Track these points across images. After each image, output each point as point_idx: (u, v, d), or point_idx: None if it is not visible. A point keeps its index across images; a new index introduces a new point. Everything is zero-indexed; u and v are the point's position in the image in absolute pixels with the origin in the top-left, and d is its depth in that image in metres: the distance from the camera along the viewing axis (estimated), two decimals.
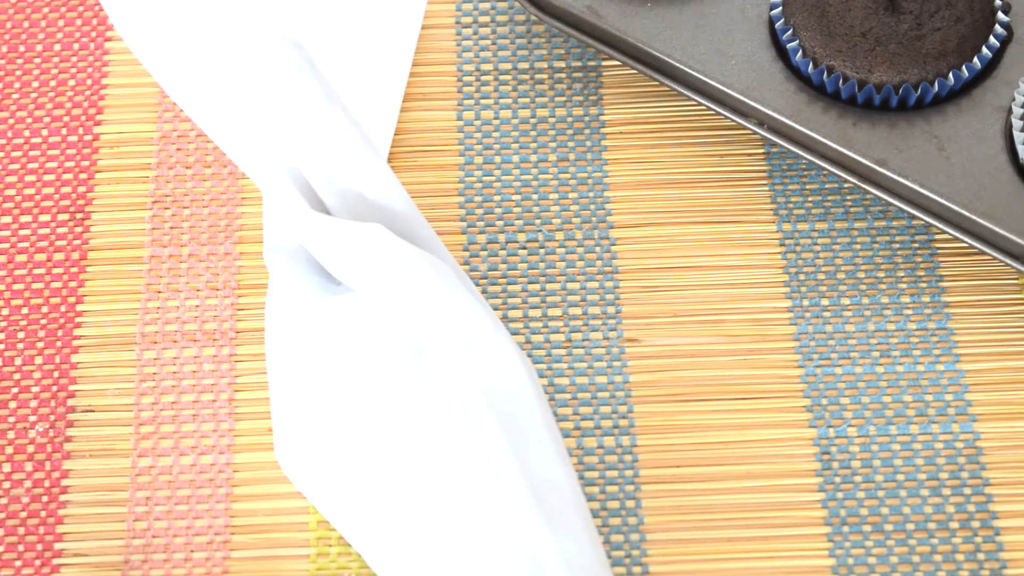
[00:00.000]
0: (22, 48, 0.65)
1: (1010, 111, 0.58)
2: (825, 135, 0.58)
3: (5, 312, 0.59)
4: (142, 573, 0.55)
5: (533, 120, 0.63)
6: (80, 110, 0.64)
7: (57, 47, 0.65)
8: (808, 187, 0.61)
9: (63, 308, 0.59)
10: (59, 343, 0.59)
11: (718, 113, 0.60)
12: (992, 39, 0.59)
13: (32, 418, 0.57)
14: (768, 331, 0.59)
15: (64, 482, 0.56)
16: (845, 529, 0.55)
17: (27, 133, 0.63)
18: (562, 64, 0.64)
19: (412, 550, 0.51)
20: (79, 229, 0.61)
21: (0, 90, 0.64)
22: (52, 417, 0.57)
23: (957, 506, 0.55)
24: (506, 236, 0.61)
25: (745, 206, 0.61)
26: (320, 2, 0.61)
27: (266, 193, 0.56)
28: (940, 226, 0.57)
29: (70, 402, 0.58)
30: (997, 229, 0.56)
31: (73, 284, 0.60)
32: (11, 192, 0.62)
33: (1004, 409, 0.57)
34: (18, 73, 0.65)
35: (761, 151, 0.62)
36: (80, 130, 0.63)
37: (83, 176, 0.62)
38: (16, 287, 0.60)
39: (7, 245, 0.61)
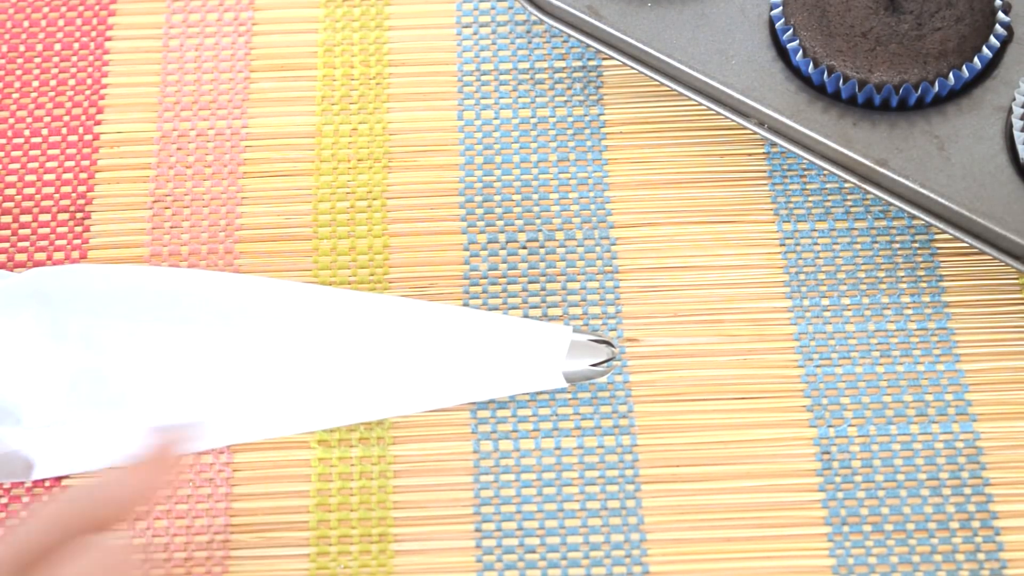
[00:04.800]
0: (22, 48, 0.65)
1: (1010, 111, 0.58)
2: (825, 135, 0.58)
3: None
4: (142, 573, 0.55)
5: (533, 120, 0.63)
6: (80, 110, 0.64)
7: (57, 47, 0.65)
8: (808, 187, 0.61)
9: None
10: None
11: (718, 113, 0.60)
12: (992, 39, 0.59)
13: None
14: (768, 331, 0.59)
15: (64, 482, 0.56)
16: (845, 529, 0.55)
17: (27, 133, 0.63)
18: (562, 64, 0.64)
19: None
20: (79, 229, 0.61)
21: (0, 90, 0.64)
22: None
23: (957, 506, 0.55)
24: (506, 236, 0.61)
25: (745, 206, 0.61)
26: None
27: None
28: (940, 226, 0.57)
29: None
30: (997, 229, 0.56)
31: None
32: (11, 192, 0.62)
33: (1004, 409, 0.57)
34: (18, 73, 0.65)
35: (761, 151, 0.62)
36: (80, 130, 0.63)
37: (83, 176, 0.62)
38: None
39: (7, 245, 0.61)
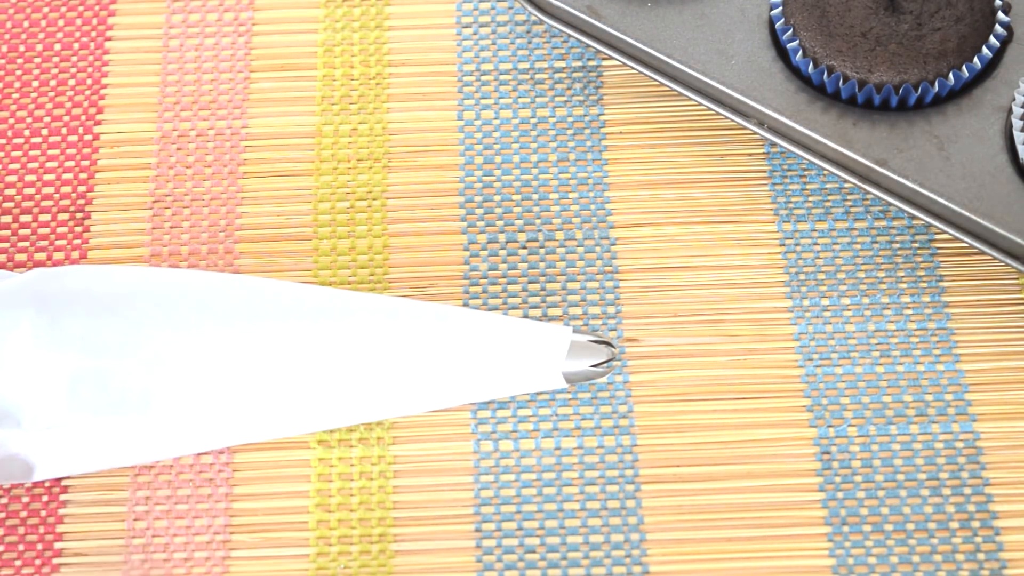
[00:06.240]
0: (22, 48, 0.65)
1: (1010, 111, 0.58)
2: (825, 135, 0.58)
3: None
4: (142, 573, 0.55)
5: (533, 120, 0.63)
6: (80, 110, 0.64)
7: (57, 47, 0.65)
8: (808, 187, 0.61)
9: None
10: None
11: (718, 113, 0.60)
12: (992, 39, 0.59)
13: None
14: (768, 331, 0.59)
15: (64, 482, 0.56)
16: (845, 529, 0.55)
17: (27, 133, 0.63)
18: (562, 64, 0.64)
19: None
20: (79, 229, 0.61)
21: (0, 90, 0.64)
22: None
23: (957, 506, 0.55)
24: (506, 236, 0.61)
25: (745, 206, 0.61)
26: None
27: None
28: (940, 226, 0.57)
29: None
30: (997, 229, 0.56)
31: None
32: (11, 192, 0.62)
33: (1004, 409, 0.57)
34: (18, 73, 0.65)
35: (761, 151, 0.62)
36: (80, 130, 0.63)
37: (83, 176, 0.62)
38: None
39: (7, 245, 0.61)
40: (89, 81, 0.64)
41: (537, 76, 0.64)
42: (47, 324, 0.55)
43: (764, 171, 0.62)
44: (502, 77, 0.64)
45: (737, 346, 0.58)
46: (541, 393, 0.58)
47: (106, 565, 0.55)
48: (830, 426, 0.57)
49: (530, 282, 0.60)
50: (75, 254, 0.61)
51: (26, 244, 0.61)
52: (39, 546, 0.55)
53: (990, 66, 0.59)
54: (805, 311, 0.59)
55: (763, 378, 0.58)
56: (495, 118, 0.63)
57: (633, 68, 0.61)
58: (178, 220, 0.61)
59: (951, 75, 0.58)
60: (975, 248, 0.57)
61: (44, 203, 0.62)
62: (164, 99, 0.64)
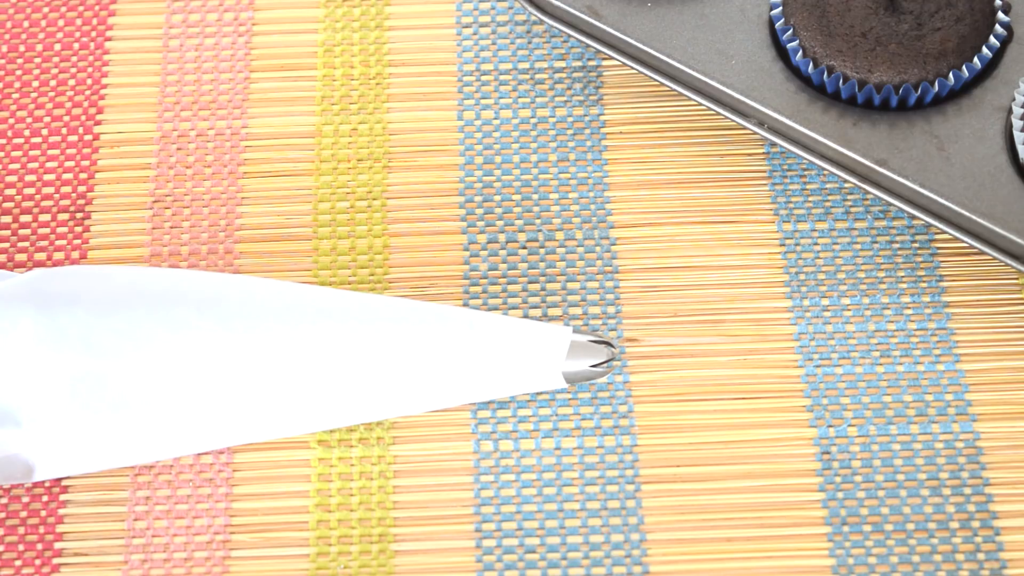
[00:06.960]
0: (22, 48, 0.65)
1: (1010, 111, 0.58)
2: (825, 135, 0.58)
3: None
4: (142, 573, 0.55)
5: (533, 120, 0.63)
6: (80, 110, 0.64)
7: (57, 47, 0.65)
8: (808, 187, 0.61)
9: None
10: None
11: (718, 113, 0.60)
12: (992, 39, 0.59)
13: None
14: (768, 331, 0.59)
15: (64, 482, 0.56)
16: (845, 529, 0.55)
17: (27, 133, 0.63)
18: (562, 64, 0.64)
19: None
20: (79, 229, 0.61)
21: (0, 90, 0.64)
22: None
23: (957, 506, 0.55)
24: (506, 236, 0.61)
25: (745, 206, 0.61)
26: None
27: None
28: (940, 226, 0.57)
29: None
30: (997, 229, 0.56)
31: None
32: (11, 192, 0.62)
33: (1004, 409, 0.57)
34: (18, 73, 0.65)
35: (761, 151, 0.62)
36: (80, 130, 0.63)
37: (83, 176, 0.62)
38: None
39: (7, 245, 0.61)
40: (89, 81, 0.64)
41: (537, 76, 0.64)
42: (47, 324, 0.55)
43: (764, 171, 0.62)
44: (502, 77, 0.64)
45: (737, 346, 0.58)
46: (541, 393, 0.58)
47: (106, 565, 0.55)
48: (830, 426, 0.57)
49: (530, 282, 0.60)
50: (75, 254, 0.61)
51: (26, 244, 0.61)
52: (39, 546, 0.55)
53: (990, 66, 0.59)
54: (805, 311, 0.59)
55: (763, 378, 0.58)
56: (495, 118, 0.63)
57: (633, 68, 0.61)
58: (178, 220, 0.61)
59: (951, 75, 0.58)
60: (975, 248, 0.57)
61: (44, 203, 0.62)
62: (164, 99, 0.64)
